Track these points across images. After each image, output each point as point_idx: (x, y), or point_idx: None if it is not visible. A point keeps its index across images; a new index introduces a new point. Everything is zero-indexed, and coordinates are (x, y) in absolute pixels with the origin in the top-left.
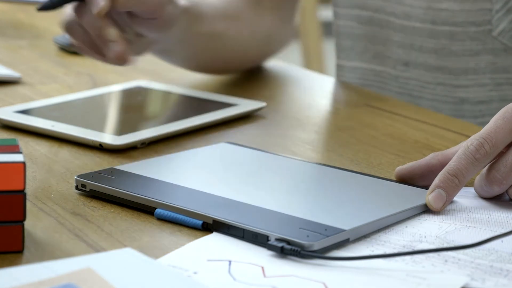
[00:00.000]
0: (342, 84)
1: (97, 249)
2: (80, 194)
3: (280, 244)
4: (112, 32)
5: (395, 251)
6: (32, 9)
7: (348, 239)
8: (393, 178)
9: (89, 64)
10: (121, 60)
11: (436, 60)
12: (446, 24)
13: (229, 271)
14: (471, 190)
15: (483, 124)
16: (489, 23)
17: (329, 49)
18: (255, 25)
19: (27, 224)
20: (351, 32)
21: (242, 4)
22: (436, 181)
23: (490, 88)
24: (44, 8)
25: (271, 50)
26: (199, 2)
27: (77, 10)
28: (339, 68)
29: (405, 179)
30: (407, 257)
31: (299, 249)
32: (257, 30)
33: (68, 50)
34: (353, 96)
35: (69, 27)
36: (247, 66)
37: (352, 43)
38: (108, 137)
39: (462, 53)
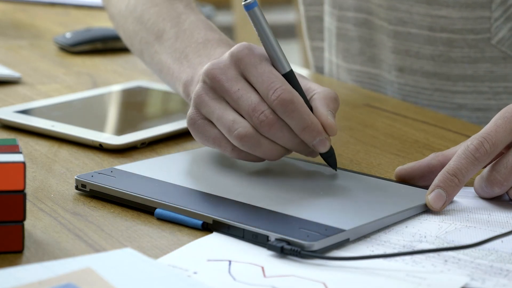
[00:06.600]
0: (342, 84)
1: (97, 249)
2: (80, 194)
3: (280, 244)
4: None
5: (395, 251)
6: (32, 9)
7: (348, 239)
8: (393, 178)
9: (89, 64)
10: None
11: (433, 66)
12: (445, 31)
13: (229, 271)
14: (471, 190)
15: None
16: (488, 31)
17: None
18: None
19: (27, 224)
20: (345, 34)
21: None
22: (436, 181)
23: (489, 97)
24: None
25: None
26: None
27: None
28: (330, 63)
29: (405, 179)
30: (407, 257)
31: (299, 249)
32: None
33: (68, 50)
34: (353, 96)
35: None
36: None
37: (347, 45)
38: (108, 137)
39: (460, 60)
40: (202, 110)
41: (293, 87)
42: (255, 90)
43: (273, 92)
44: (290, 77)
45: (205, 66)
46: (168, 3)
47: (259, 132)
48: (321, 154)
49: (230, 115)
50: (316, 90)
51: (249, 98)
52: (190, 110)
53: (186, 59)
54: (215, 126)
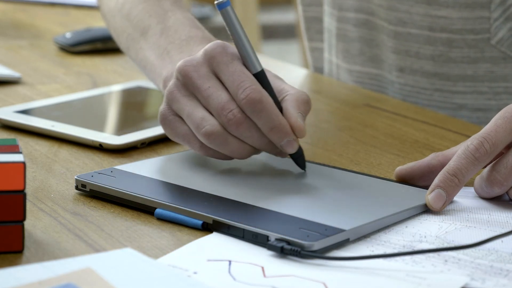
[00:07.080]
0: (342, 84)
1: (97, 249)
2: (80, 194)
3: (280, 244)
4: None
5: (395, 251)
6: (32, 9)
7: (348, 239)
8: (393, 178)
9: (89, 64)
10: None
11: (433, 67)
12: (444, 31)
13: (229, 271)
14: (471, 190)
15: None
16: (487, 31)
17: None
18: None
19: (27, 224)
20: (345, 34)
21: None
22: (436, 181)
23: (489, 97)
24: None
25: None
26: None
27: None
28: (330, 63)
29: (405, 179)
30: (407, 257)
31: (299, 249)
32: None
33: (68, 50)
34: (353, 96)
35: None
36: None
37: (347, 46)
38: (108, 137)
39: (460, 60)
40: (173, 106)
41: (264, 87)
42: (226, 88)
43: (242, 91)
44: (261, 77)
45: (179, 63)
46: (155, 0)
47: (227, 131)
48: (290, 155)
49: (199, 112)
50: (289, 91)
51: (219, 96)
52: (162, 106)
53: (168, 55)
54: (185, 122)
